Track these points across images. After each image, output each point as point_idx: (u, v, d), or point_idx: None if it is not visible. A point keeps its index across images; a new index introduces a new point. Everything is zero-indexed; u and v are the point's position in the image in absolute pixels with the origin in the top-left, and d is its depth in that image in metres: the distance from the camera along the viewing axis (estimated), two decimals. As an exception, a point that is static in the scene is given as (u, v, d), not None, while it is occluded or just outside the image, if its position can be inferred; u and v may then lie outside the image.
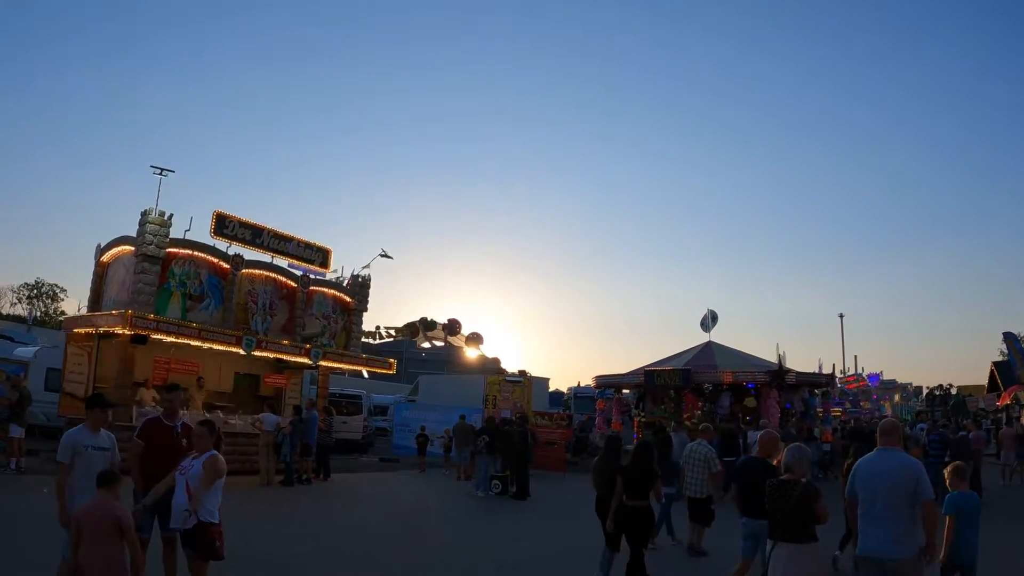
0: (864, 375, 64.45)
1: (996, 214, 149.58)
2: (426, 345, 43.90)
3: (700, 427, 12.77)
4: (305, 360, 21.10)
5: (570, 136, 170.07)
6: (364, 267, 24.01)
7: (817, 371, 35.66)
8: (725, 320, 38.99)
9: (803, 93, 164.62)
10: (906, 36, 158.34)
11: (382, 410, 35.10)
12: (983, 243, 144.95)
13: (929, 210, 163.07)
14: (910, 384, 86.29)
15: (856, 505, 6.08)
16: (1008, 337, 38.47)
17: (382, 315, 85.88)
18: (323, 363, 21.82)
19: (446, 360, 70.13)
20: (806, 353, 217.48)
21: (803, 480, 6.23)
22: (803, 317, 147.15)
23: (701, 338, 29.32)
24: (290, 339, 21.10)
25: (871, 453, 6.17)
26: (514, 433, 18.47)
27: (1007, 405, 40.28)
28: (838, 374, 55.32)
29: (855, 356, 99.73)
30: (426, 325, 34.40)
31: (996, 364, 45.63)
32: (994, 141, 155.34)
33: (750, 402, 24.86)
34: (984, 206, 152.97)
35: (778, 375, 24.98)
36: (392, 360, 24.64)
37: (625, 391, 29.87)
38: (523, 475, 17.96)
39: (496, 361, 40.17)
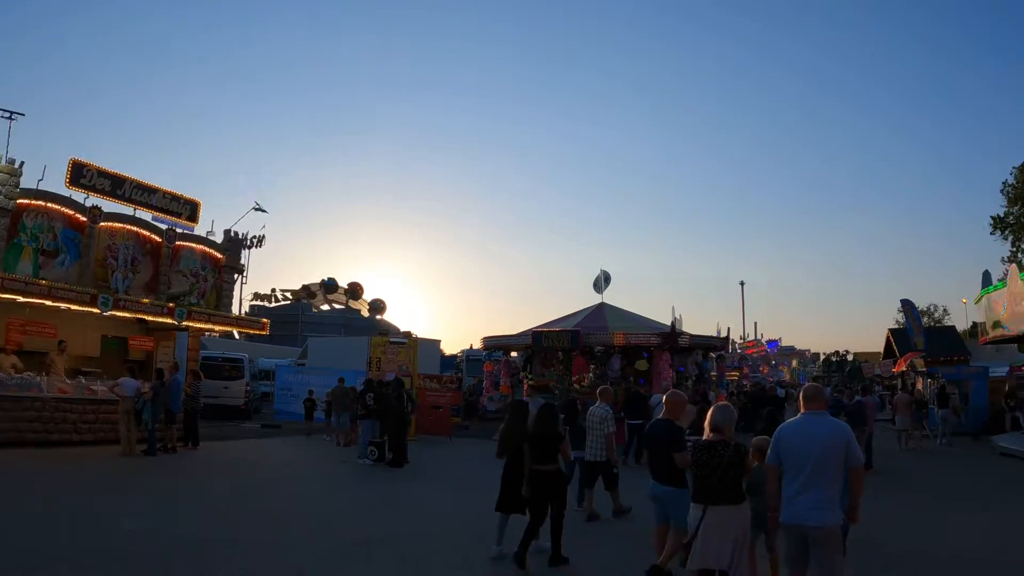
0: (763, 341, 66.08)
1: (892, 189, 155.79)
2: (324, 308, 42.76)
3: (599, 389, 12.25)
4: (169, 320, 19.61)
5: (479, 99, 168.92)
6: (257, 228, 22.69)
7: (715, 335, 36.01)
8: (627, 284, 38.97)
9: (724, 57, 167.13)
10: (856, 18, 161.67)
11: (268, 374, 33.72)
12: (881, 217, 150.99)
13: (829, 184, 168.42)
14: (808, 350, 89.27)
15: (777, 472, 5.79)
16: (906, 305, 39.62)
17: (281, 278, 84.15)
18: (190, 324, 20.35)
19: (344, 324, 68.74)
20: (707, 318, 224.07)
21: (731, 441, 6.10)
22: (705, 284, 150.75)
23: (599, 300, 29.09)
24: (152, 298, 19.65)
25: (796, 417, 5.92)
26: (390, 396, 17.59)
27: (903, 372, 41.60)
28: (737, 340, 56.49)
29: (755, 323, 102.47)
30: (327, 288, 33.25)
31: (892, 331, 47.17)
32: (898, 126, 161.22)
33: (642, 365, 24.67)
34: (880, 182, 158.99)
35: (671, 337, 24.84)
36: (266, 320, 23.29)
37: (514, 353, 29.41)
38: (400, 441, 17.14)
39: (391, 323, 39.24)
